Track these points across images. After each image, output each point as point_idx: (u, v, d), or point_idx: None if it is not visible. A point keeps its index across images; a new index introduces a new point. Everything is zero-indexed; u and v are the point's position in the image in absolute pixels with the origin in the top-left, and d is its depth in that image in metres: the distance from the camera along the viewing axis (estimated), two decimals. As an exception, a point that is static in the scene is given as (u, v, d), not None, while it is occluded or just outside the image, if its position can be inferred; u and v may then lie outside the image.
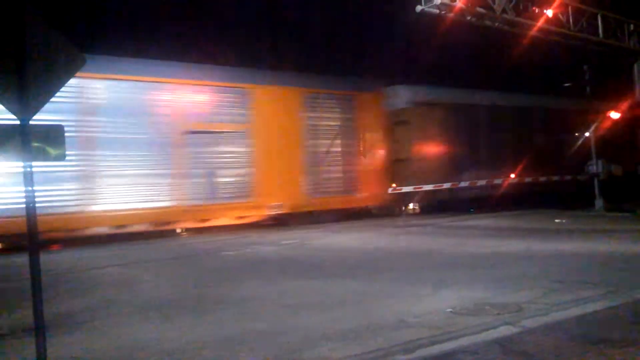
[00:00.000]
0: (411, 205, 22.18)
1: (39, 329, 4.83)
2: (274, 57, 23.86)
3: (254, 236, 15.91)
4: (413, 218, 20.76)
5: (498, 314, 6.36)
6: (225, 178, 17.39)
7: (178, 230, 17.13)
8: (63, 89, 5.32)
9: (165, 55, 18.16)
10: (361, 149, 20.29)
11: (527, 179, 23.71)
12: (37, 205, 4.95)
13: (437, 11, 15.78)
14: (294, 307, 7.15)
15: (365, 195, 20.16)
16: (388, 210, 21.16)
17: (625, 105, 22.79)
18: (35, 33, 5.02)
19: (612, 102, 23.06)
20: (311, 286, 8.52)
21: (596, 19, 19.21)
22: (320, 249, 13.16)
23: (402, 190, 20.66)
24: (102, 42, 19.54)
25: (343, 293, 7.91)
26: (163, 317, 6.90)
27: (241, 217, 17.74)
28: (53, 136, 5.27)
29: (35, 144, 5.06)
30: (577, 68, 22.59)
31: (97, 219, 15.18)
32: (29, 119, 5.03)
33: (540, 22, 17.66)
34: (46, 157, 5.27)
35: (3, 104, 5.03)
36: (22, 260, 10.34)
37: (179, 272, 10.78)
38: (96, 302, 7.95)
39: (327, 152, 19.63)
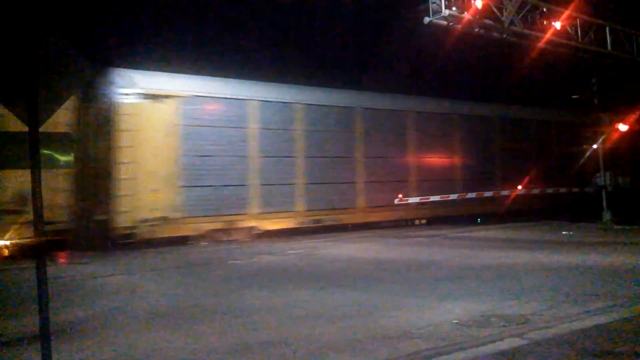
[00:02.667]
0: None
1: (45, 337, 4.84)
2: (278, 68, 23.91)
3: (260, 245, 15.91)
4: (420, 229, 20.71)
5: (504, 325, 6.34)
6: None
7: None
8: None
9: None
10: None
11: (537, 191, 23.74)
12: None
13: (445, 23, 15.82)
14: (300, 317, 7.14)
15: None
16: (395, 221, 21.16)
17: (633, 117, 22.72)
18: (46, 43, 5.07)
19: (620, 114, 22.99)
20: (317, 296, 8.52)
21: (604, 31, 19.18)
22: (326, 259, 13.14)
23: (409, 202, 20.64)
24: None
25: (349, 304, 7.90)
26: (169, 326, 6.91)
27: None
28: (61, 144, 5.32)
29: (45, 152, 5.11)
30: (585, 80, 22.55)
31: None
32: (39, 128, 5.08)
33: (548, 34, 17.66)
34: (55, 164, 5.32)
35: (13, 112, 5.09)
36: (28, 267, 10.41)
37: (186, 280, 10.79)
38: (102, 310, 7.97)
39: None
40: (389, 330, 6.30)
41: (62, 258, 13.95)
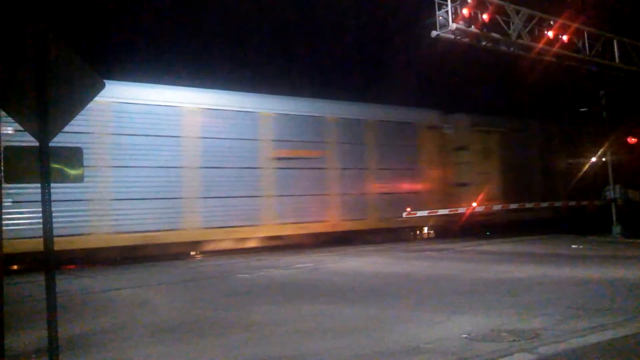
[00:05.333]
0: (425, 229, 22.19)
1: (53, 351, 4.84)
2: (288, 81, 24.04)
3: (268, 259, 15.89)
4: (428, 243, 20.63)
5: (514, 340, 6.28)
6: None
7: (192, 253, 17.18)
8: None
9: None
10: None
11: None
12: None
13: (453, 37, 15.88)
14: (308, 332, 7.11)
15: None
16: (402, 235, 21.10)
17: None
18: (57, 57, 5.13)
19: (629, 126, 22.94)
20: (325, 311, 8.47)
21: (612, 44, 19.19)
22: (334, 273, 13.10)
23: (417, 215, 20.59)
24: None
25: (357, 318, 7.86)
26: (176, 340, 6.89)
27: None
28: (72, 158, 5.35)
29: (55, 166, 5.14)
30: (593, 93, 22.53)
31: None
32: (49, 141, 5.12)
33: (556, 47, 17.67)
34: (65, 178, 5.35)
35: (23, 126, 5.13)
36: (36, 281, 10.45)
37: (193, 294, 10.77)
38: (109, 324, 7.96)
39: None
40: (397, 345, 6.26)
41: (70, 271, 14.00)
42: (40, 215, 4.97)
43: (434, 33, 15.73)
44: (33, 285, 11.20)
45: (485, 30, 16.14)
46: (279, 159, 18.02)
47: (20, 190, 12.42)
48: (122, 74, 16.97)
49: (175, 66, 21.25)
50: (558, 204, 23.85)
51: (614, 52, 19.23)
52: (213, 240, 17.14)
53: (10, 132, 10.44)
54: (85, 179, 5.63)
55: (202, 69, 21.99)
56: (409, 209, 20.38)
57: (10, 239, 11.78)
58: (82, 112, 5.47)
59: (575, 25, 18.03)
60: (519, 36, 16.84)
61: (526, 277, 11.27)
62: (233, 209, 17.13)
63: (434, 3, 15.63)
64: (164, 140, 16.28)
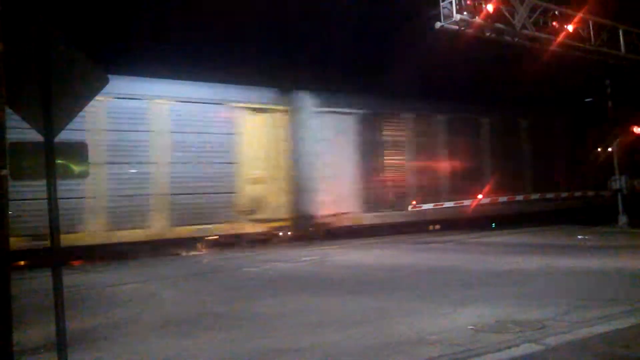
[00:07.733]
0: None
1: (61, 346, 4.86)
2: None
3: (274, 253, 15.92)
4: (434, 235, 20.61)
5: (520, 331, 6.28)
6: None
7: (198, 246, 17.23)
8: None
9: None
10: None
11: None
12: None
13: (457, 27, 15.79)
14: (314, 324, 7.12)
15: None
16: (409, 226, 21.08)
17: None
18: (60, 53, 5.13)
19: (635, 116, 22.84)
20: (331, 303, 8.49)
21: (617, 34, 19.05)
22: (340, 266, 13.12)
23: (422, 208, 20.56)
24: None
25: (363, 310, 7.87)
26: (183, 334, 6.92)
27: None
28: (77, 153, 5.36)
29: (60, 161, 5.15)
30: (598, 83, 22.39)
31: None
32: (54, 137, 5.13)
33: (560, 37, 17.56)
34: (70, 174, 5.37)
35: (28, 122, 5.14)
36: (43, 276, 10.48)
37: (199, 288, 10.81)
38: (117, 319, 8.00)
39: None
40: (403, 337, 6.27)
41: (77, 266, 14.06)
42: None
43: (437, 24, 15.63)
44: (41, 280, 11.25)
45: (489, 20, 16.05)
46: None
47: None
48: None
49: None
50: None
51: (619, 41, 19.10)
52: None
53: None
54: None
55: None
56: (414, 202, 20.37)
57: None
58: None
59: (580, 15, 17.89)
60: (524, 26, 16.73)
61: (532, 268, 11.26)
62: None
63: (437, -6, 15.55)
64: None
